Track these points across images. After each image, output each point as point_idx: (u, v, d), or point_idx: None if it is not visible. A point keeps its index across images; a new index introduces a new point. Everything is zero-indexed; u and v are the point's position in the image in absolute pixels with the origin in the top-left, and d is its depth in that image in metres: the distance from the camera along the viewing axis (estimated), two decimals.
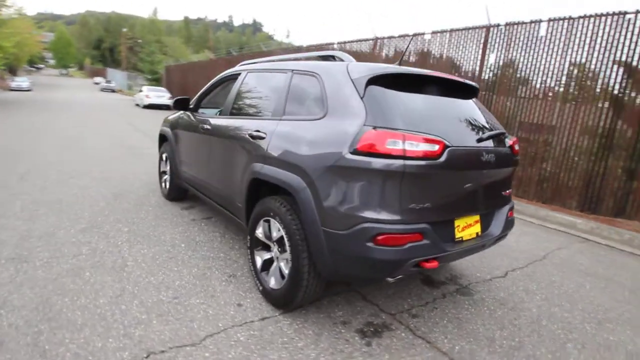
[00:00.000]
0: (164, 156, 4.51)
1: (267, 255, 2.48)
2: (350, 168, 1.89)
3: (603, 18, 5.13)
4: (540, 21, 5.84)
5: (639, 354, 2.27)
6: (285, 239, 2.19)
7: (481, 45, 6.68)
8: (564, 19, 5.55)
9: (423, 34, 7.76)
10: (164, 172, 4.60)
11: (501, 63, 6.40)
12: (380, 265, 1.91)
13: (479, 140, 2.18)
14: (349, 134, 1.92)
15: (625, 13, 4.94)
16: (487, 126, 2.39)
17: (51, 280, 2.51)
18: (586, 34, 5.32)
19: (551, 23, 5.71)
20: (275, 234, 2.34)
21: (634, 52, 4.93)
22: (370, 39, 9.07)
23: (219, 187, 3.12)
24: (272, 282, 2.40)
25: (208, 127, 3.25)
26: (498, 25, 6.42)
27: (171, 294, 2.46)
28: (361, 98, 2.01)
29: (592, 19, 5.25)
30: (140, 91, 21.94)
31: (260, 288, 2.46)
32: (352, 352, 2.04)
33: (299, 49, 12.01)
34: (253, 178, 2.48)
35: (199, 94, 3.82)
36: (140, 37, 53.49)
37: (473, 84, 2.52)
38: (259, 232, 2.50)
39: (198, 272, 2.78)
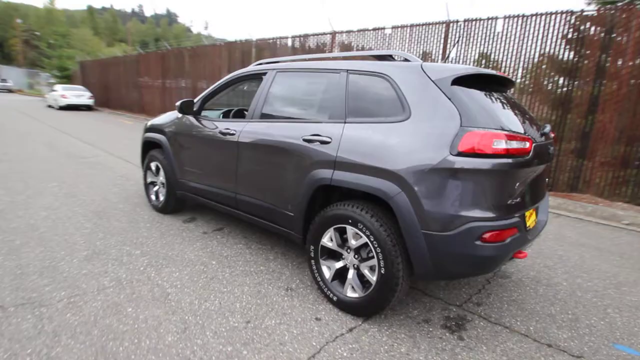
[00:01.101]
0: (152, 165, 4.05)
1: (338, 264, 2.39)
2: (453, 170, 1.89)
3: (553, 16, 5.77)
4: (497, 18, 6.38)
5: None
6: (373, 246, 2.13)
7: (442, 40, 7.09)
8: (518, 16, 6.13)
9: (383, 28, 7.98)
10: (153, 183, 4.15)
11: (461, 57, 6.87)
12: (486, 262, 1.96)
13: (542, 135, 2.34)
14: (448, 136, 1.92)
15: (572, 12, 5.61)
16: (532, 118, 2.56)
17: (91, 323, 2.13)
18: (539, 30, 5.94)
19: (506, 20, 6.26)
20: (354, 242, 2.26)
21: (578, 50, 5.64)
22: (328, 32, 9.07)
23: (255, 197, 2.90)
24: (349, 291, 2.32)
25: (232, 131, 2.99)
26: (457, 21, 6.85)
27: (240, 318, 2.25)
28: (449, 99, 2.02)
29: (543, 17, 5.87)
30: (54, 90, 19.27)
31: (335, 299, 2.37)
32: (454, 349, 2.08)
33: (247, 43, 11.50)
34: (321, 185, 2.36)
35: (202, 95, 3.48)
36: (37, 28, 46.82)
37: (511, 78, 2.66)
38: (326, 240, 2.40)
39: (251, 290, 2.58)
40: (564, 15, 5.66)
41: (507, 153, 1.88)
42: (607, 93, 5.44)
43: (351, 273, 2.33)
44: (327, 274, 2.43)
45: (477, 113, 1.98)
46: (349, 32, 8.69)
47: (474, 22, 6.64)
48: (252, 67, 3.20)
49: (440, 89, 2.05)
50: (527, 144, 1.97)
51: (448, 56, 7.03)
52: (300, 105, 2.77)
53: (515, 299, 2.68)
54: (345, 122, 2.34)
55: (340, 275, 2.41)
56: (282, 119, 2.77)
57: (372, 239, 2.13)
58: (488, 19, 6.46)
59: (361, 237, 2.20)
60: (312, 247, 2.48)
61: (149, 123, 4.19)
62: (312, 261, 2.49)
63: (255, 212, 2.95)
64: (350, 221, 2.22)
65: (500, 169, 1.89)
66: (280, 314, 2.31)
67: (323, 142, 2.37)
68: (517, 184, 2.04)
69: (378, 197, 2.12)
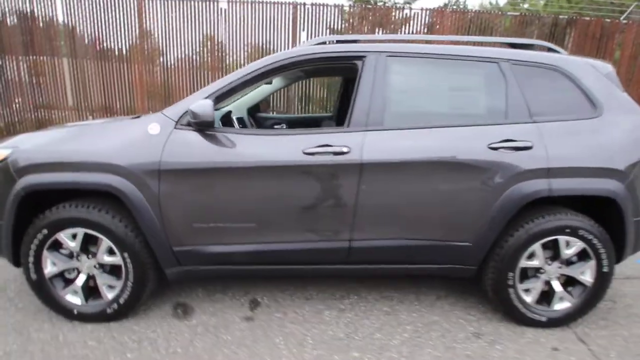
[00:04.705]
0: (66, 237, 1.98)
1: (539, 282, 2.12)
2: None
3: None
4: (343, 6, 6.74)
5: None
6: (594, 248, 2.03)
7: (291, 23, 6.81)
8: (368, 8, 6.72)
9: (217, 0, 6.77)
10: (63, 275, 2.07)
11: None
12: None
13: None
14: None
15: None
16: None
17: None
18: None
19: (351, 8, 6.74)
20: (567, 251, 2.06)
21: None
22: None
23: (394, 238, 2.04)
24: (557, 305, 2.15)
25: (343, 149, 1.91)
26: (304, 4, 6.74)
27: None
28: (624, 93, 2.13)
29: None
30: None
31: (544, 319, 2.13)
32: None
33: None
34: (535, 199, 1.96)
35: (214, 90, 1.98)
36: None
37: None
38: (525, 260, 2.08)
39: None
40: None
41: None
42: None
43: (557, 285, 2.14)
44: (527, 297, 2.13)
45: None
46: None
47: (321, 7, 6.73)
48: (320, 48, 2.09)
49: (614, 84, 2.13)
50: None
51: (299, 39, 6.89)
52: (447, 103, 2.13)
53: None
54: (534, 122, 2.02)
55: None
56: (425, 124, 2.02)
57: (595, 242, 2.03)
58: (335, 6, 6.72)
59: (573, 245, 2.05)
60: (510, 274, 2.07)
61: (27, 155, 1.98)
62: (511, 289, 2.09)
63: (389, 258, 2.10)
64: (567, 230, 2.01)
65: None
66: None
67: (521, 149, 1.96)
68: None
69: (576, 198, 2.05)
